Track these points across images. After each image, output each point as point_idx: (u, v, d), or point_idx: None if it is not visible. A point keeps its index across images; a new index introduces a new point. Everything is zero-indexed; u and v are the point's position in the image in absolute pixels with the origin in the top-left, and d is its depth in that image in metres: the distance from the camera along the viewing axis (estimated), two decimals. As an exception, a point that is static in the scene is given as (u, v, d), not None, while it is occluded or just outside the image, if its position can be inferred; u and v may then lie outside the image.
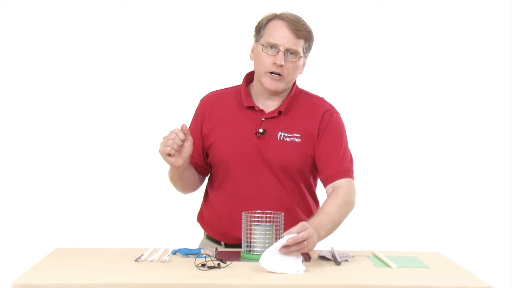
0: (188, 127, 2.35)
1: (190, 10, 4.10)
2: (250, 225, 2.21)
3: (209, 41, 4.05)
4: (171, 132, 2.30)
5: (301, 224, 2.07)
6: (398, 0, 4.17)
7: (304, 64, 2.43)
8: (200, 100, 2.55)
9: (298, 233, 2.04)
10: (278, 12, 2.39)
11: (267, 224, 2.21)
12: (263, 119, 2.40)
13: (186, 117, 2.56)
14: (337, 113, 2.46)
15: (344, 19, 4.15)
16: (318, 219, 2.21)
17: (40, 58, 4.08)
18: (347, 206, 2.31)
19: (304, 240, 2.04)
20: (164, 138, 2.30)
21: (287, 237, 2.03)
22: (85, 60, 4.10)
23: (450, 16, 4.16)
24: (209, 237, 2.53)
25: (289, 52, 2.34)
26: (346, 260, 2.21)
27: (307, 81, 2.57)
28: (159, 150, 2.30)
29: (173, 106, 3.87)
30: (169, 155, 2.29)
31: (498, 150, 4.18)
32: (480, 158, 4.19)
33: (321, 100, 2.49)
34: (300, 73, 2.43)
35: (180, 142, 2.29)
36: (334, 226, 2.25)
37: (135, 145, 4.04)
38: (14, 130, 4.08)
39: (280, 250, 2.04)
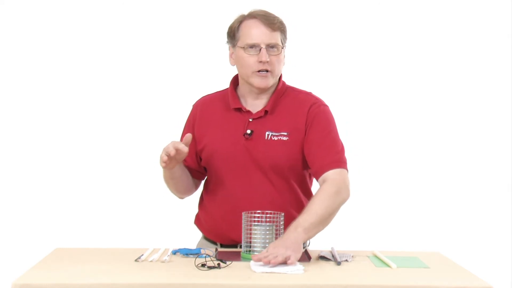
0: (181, 131, 2.38)
1: (184, 14, 4.11)
2: (250, 225, 2.21)
3: (206, 44, 4.04)
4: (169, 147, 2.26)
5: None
6: (398, 1, 4.17)
7: (284, 56, 2.42)
8: (192, 105, 2.56)
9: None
10: (245, 13, 2.39)
11: (267, 224, 2.21)
12: (250, 120, 2.40)
13: (185, 119, 2.57)
14: (325, 105, 2.43)
15: (346, 19, 4.16)
16: (298, 220, 2.19)
17: (39, 58, 4.08)
18: (334, 198, 2.23)
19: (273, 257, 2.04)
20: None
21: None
22: (84, 61, 4.10)
23: (450, 16, 4.16)
24: (206, 238, 2.53)
25: (269, 47, 2.34)
26: (346, 260, 2.21)
27: (308, 81, 2.56)
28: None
29: (174, 107, 3.86)
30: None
31: (498, 150, 4.18)
32: (480, 158, 4.19)
33: (308, 94, 2.46)
34: (283, 65, 2.42)
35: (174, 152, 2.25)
36: (322, 220, 2.19)
37: (135, 145, 4.04)
38: (14, 130, 4.08)
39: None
